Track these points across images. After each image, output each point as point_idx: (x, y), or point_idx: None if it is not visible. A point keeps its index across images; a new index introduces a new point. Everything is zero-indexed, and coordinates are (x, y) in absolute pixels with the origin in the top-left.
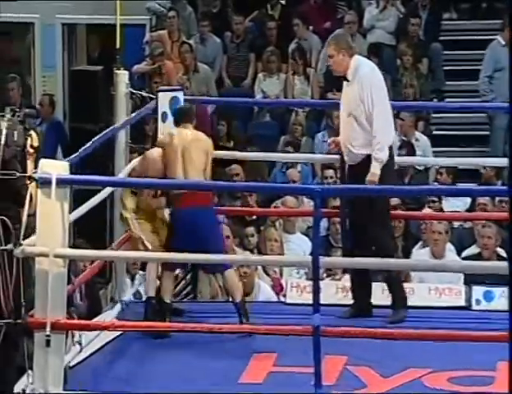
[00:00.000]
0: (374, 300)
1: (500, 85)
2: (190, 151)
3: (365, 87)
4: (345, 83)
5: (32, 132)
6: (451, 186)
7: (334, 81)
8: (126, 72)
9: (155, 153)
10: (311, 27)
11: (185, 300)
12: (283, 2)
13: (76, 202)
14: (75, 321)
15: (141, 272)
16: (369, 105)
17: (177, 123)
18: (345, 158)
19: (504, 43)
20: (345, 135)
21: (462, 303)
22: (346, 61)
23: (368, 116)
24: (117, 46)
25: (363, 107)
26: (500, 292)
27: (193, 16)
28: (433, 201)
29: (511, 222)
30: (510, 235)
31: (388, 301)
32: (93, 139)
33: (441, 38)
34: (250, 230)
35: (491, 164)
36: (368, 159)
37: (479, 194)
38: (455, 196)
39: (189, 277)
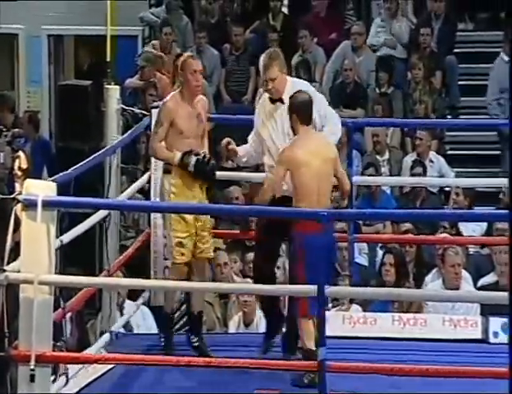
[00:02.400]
0: (384, 332)
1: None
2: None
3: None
4: (274, 106)
5: (20, 153)
6: (457, 211)
7: (341, 97)
8: (118, 87)
9: None
10: (315, 39)
11: (181, 331)
12: (285, 12)
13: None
14: (63, 353)
15: (128, 301)
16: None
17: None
18: (284, 187)
19: (507, 59)
20: None
21: (478, 335)
22: (285, 81)
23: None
24: (108, 59)
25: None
26: None
27: (189, 26)
28: (445, 227)
29: (511, 247)
30: (510, 260)
31: (400, 334)
32: (84, 161)
33: (456, 50)
34: (251, 256)
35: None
36: None
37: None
38: (460, 221)
39: (184, 307)
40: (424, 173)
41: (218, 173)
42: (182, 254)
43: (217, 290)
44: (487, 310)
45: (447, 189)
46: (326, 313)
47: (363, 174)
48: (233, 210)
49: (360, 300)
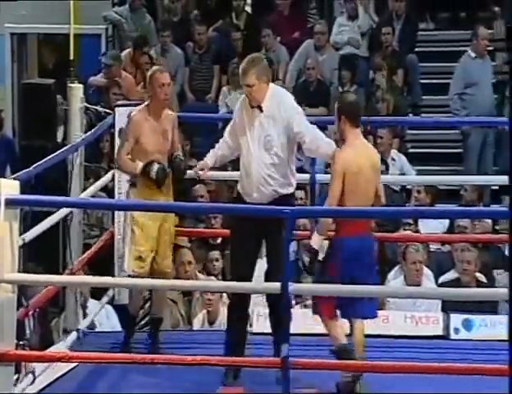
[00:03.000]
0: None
1: (472, 102)
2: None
3: (293, 116)
4: (255, 113)
5: None
6: (429, 208)
7: (304, 95)
8: (81, 85)
9: None
10: (279, 38)
11: (145, 329)
12: (249, 11)
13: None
14: (27, 352)
15: (92, 300)
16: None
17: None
18: (255, 195)
19: (474, 55)
20: (260, 170)
21: (440, 332)
22: (266, 90)
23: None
24: (71, 57)
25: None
26: (479, 320)
27: (152, 25)
28: (409, 223)
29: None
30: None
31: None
32: (47, 158)
33: (418, 49)
34: (215, 254)
35: (474, 182)
36: (283, 198)
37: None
38: (443, 218)
39: (147, 305)
40: (386, 171)
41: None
42: (141, 267)
43: (181, 287)
44: (448, 307)
45: (409, 187)
46: (292, 310)
47: (326, 172)
48: (198, 208)
49: None
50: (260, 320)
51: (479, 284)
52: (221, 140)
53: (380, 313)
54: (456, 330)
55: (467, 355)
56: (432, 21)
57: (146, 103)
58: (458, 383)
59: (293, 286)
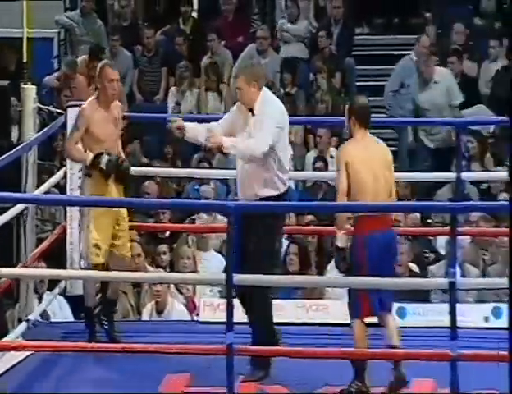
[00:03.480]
0: (289, 318)
1: (404, 101)
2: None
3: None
4: (249, 115)
5: None
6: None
7: None
8: (34, 87)
9: None
10: (223, 42)
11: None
12: (195, 16)
13: None
14: None
15: (48, 292)
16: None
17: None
18: (240, 195)
19: (416, 59)
20: (242, 171)
21: (375, 320)
22: (256, 94)
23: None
24: (25, 60)
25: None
26: (413, 309)
27: (103, 29)
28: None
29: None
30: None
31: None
32: (2, 157)
33: (354, 52)
34: (163, 247)
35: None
36: (265, 200)
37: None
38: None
39: (99, 296)
40: (325, 168)
41: (134, 168)
42: (97, 255)
43: (132, 279)
44: None
45: None
46: (235, 300)
47: None
48: (146, 203)
49: None
50: (207, 310)
51: (412, 274)
52: (214, 123)
53: (320, 302)
54: None
55: (404, 342)
56: (368, 27)
57: (95, 95)
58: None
59: (237, 277)
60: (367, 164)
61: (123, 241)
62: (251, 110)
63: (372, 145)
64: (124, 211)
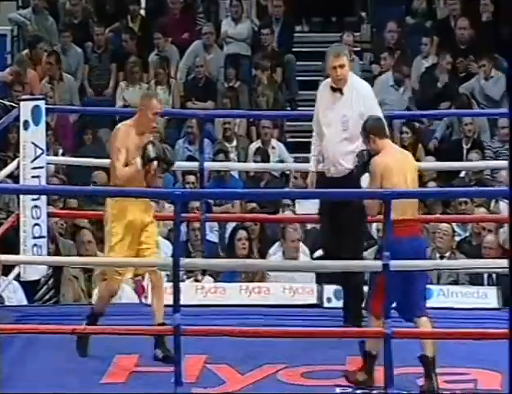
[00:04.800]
0: (233, 300)
1: None
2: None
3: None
4: (332, 96)
5: None
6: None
7: (193, 91)
8: None
9: None
10: (170, 38)
11: (48, 303)
12: (143, 14)
13: None
14: None
15: (4, 277)
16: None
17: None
18: (332, 169)
19: (350, 57)
20: (333, 150)
21: (314, 301)
22: (348, 74)
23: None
24: None
25: (359, 118)
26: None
27: (54, 26)
28: (288, 205)
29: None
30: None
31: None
32: None
33: (294, 49)
34: None
35: None
36: (351, 173)
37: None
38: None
39: (51, 281)
40: (267, 158)
41: (86, 160)
42: (119, 274)
43: (83, 264)
44: (322, 279)
45: (287, 172)
46: (181, 283)
47: (214, 160)
48: (98, 191)
49: (212, 271)
50: None
51: None
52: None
53: (262, 285)
54: (329, 299)
55: (339, 322)
56: (307, 25)
57: (133, 119)
58: (333, 345)
59: (184, 261)
60: (400, 172)
61: (149, 252)
62: (340, 90)
63: (399, 154)
64: (147, 219)
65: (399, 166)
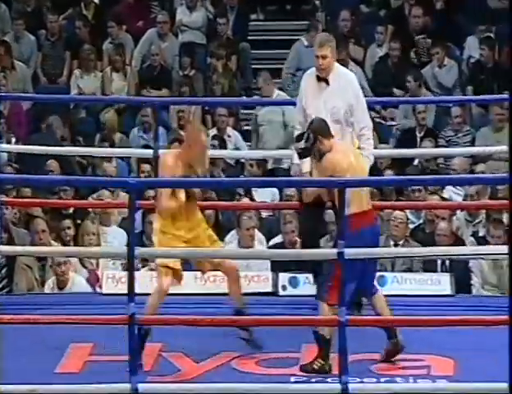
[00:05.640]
0: (188, 289)
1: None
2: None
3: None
4: (318, 85)
5: None
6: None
7: (148, 79)
8: None
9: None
10: (124, 26)
11: (0, 293)
12: (97, 2)
13: None
14: None
15: None
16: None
17: None
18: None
19: (307, 44)
20: None
21: (269, 289)
22: (332, 65)
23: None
24: None
25: (357, 112)
26: (304, 278)
27: (7, 13)
28: (243, 194)
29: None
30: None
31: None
32: None
33: (249, 37)
34: (67, 223)
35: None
36: None
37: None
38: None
39: (4, 270)
40: (223, 146)
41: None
42: (166, 274)
43: (37, 253)
44: (277, 267)
45: (242, 160)
46: (136, 272)
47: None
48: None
49: None
50: (109, 282)
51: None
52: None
53: (216, 273)
54: (284, 287)
55: (293, 310)
56: (262, 13)
57: (181, 151)
58: (289, 333)
59: (138, 250)
60: (351, 169)
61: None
62: (326, 80)
63: (349, 151)
64: (198, 217)
65: (348, 161)
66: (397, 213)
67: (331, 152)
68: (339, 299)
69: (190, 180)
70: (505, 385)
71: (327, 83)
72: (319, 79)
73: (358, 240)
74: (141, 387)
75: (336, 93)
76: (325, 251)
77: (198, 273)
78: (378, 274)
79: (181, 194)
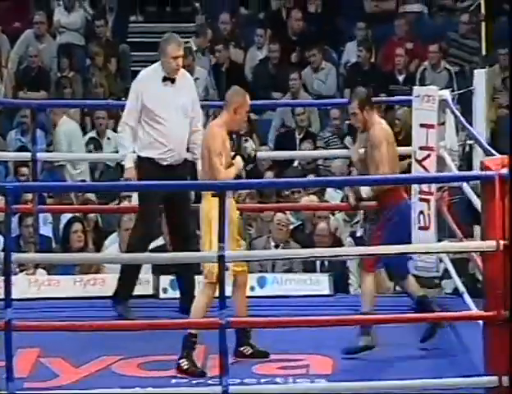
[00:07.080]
0: (67, 293)
1: None
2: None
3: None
4: (164, 84)
5: None
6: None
7: (25, 81)
8: None
9: None
10: (0, 27)
11: None
12: None
13: None
14: None
15: None
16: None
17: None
18: (175, 155)
19: (196, 48)
20: (181, 136)
21: (150, 291)
22: None
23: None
24: None
25: (197, 108)
26: None
27: None
28: (125, 197)
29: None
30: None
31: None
32: None
33: (129, 39)
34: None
35: None
36: (186, 161)
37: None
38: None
39: None
40: (100, 149)
41: None
42: (213, 274)
43: None
44: (158, 269)
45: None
46: (14, 277)
47: (47, 151)
48: None
49: (45, 264)
50: None
51: None
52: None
53: (97, 276)
54: (165, 290)
55: (174, 313)
56: (141, 15)
57: (223, 118)
58: (170, 335)
59: (16, 256)
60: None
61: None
62: (172, 79)
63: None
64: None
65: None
66: (279, 215)
67: (377, 123)
68: (375, 264)
69: (67, 184)
70: (380, 383)
71: (173, 82)
72: (165, 79)
73: (400, 212)
74: None
75: (183, 91)
76: (204, 254)
77: (78, 277)
78: (258, 275)
79: (238, 159)
